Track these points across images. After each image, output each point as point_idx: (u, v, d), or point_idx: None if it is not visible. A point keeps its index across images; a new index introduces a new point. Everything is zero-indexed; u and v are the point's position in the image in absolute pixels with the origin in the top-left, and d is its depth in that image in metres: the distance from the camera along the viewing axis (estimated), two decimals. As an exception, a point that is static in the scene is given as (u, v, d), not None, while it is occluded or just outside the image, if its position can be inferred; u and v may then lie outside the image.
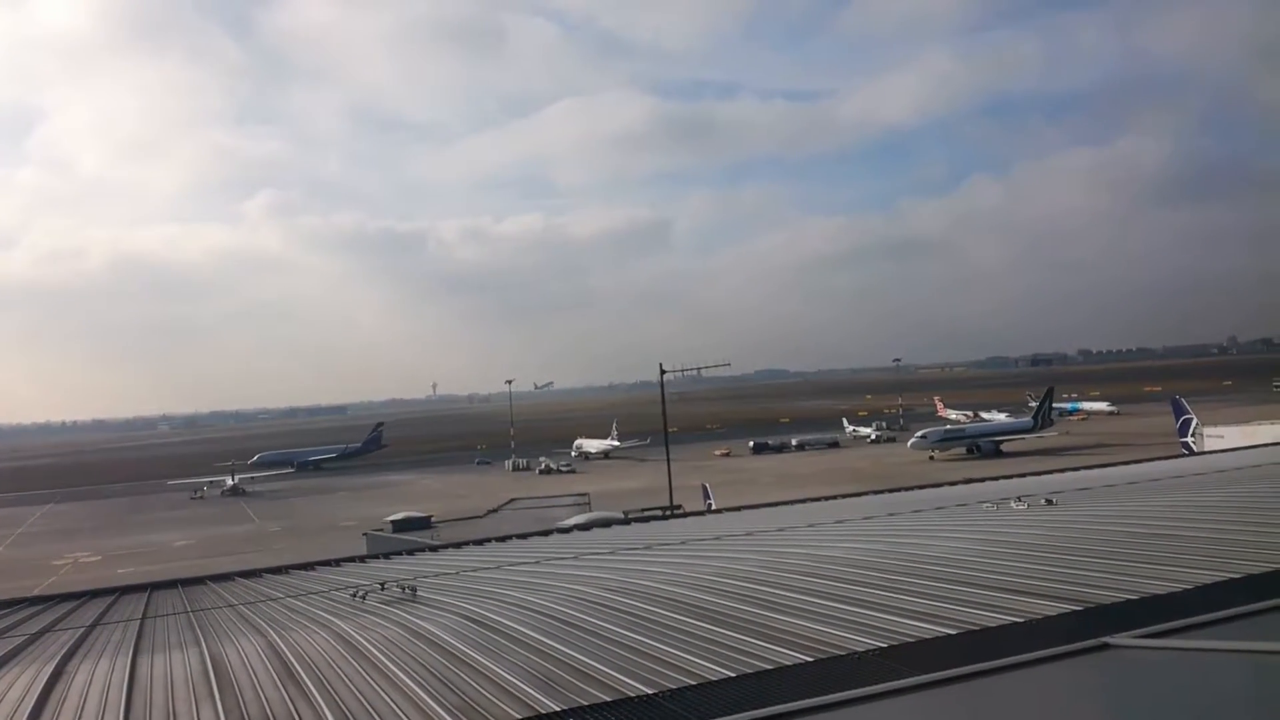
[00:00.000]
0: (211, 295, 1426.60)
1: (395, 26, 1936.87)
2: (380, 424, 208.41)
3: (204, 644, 13.67)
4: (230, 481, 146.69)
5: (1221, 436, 77.11)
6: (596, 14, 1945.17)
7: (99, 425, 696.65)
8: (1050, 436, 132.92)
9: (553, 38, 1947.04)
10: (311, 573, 23.77)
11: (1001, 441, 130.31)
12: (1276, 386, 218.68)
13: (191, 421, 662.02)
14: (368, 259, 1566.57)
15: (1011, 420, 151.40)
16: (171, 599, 20.87)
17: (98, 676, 12.03)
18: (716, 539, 20.41)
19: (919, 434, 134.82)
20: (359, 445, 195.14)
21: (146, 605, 19.99)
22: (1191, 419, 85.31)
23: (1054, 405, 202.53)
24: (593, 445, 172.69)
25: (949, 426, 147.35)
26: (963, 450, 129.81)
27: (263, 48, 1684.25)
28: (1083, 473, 32.10)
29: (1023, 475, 34.24)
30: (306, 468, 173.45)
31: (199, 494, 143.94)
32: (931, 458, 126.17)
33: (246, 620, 16.37)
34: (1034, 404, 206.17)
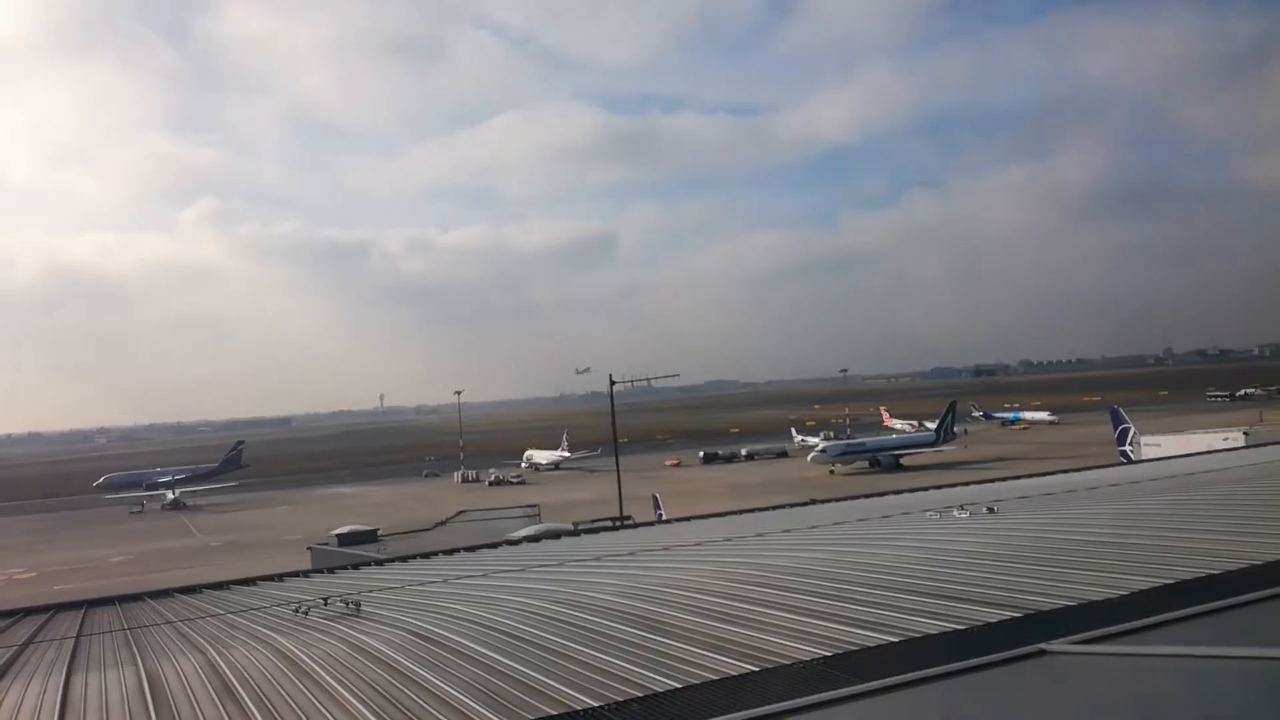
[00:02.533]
0: (150, 305, 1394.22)
1: (334, 37, 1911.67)
2: (240, 442, 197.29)
3: (140, 662, 13.38)
4: (171, 495, 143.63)
5: (1158, 445, 79.26)
6: (539, 29, 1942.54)
7: (34, 438, 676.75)
8: (949, 451, 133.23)
9: (496, 51, 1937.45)
10: (253, 588, 23.37)
11: (902, 455, 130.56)
12: (1210, 396, 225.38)
13: (130, 434, 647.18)
14: (311, 269, 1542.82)
15: (913, 434, 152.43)
16: (108, 616, 20.39)
17: (29, 697, 11.71)
18: (665, 549, 20.44)
19: (819, 448, 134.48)
20: (215, 465, 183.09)
21: (82, 623, 19.51)
22: (1129, 428, 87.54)
23: (994, 415, 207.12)
24: (543, 456, 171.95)
25: (850, 440, 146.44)
26: (864, 464, 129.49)
27: (200, 55, 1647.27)
28: (1023, 481, 32.70)
29: (965, 484, 34.77)
30: (157, 489, 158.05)
31: (139, 508, 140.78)
32: (832, 472, 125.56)
33: (185, 637, 16.05)
34: (976, 414, 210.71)
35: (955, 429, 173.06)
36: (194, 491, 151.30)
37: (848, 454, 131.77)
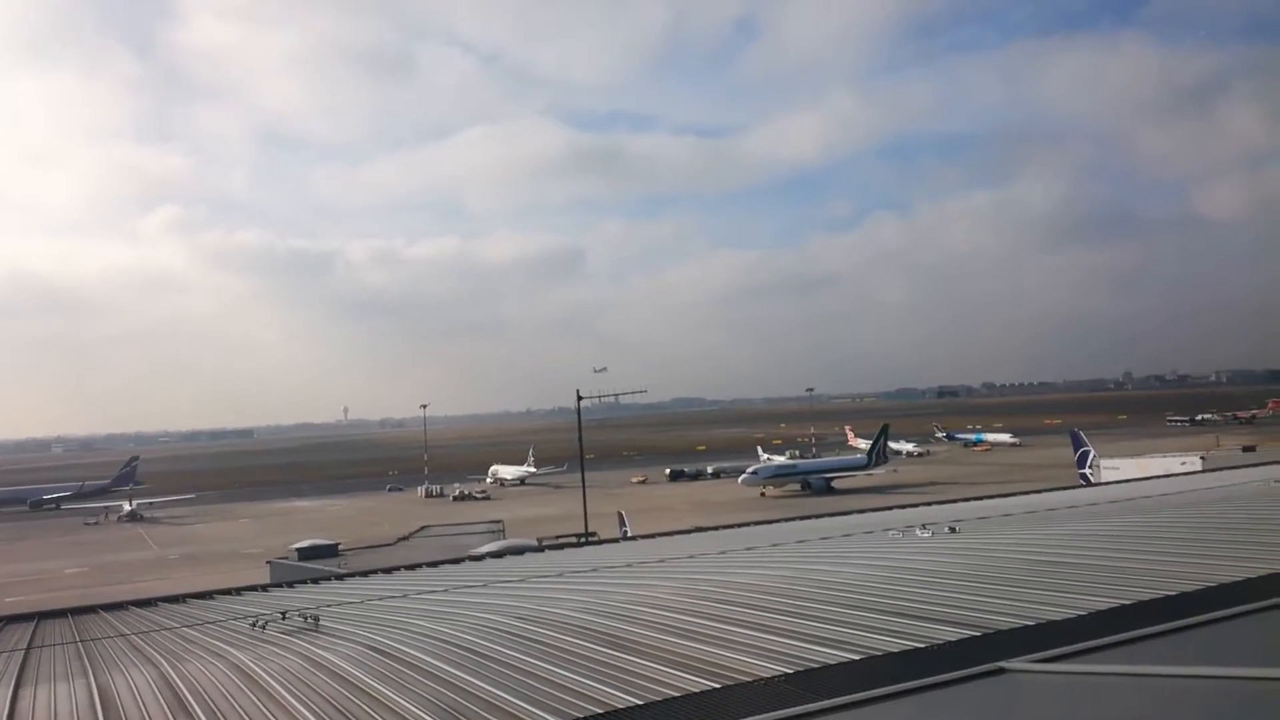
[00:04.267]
0: (111, 313, 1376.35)
1: (302, 49, 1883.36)
2: (135, 457, 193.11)
3: (92, 675, 13.11)
4: (128, 506, 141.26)
5: (1117, 468, 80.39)
6: (508, 46, 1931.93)
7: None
8: (879, 474, 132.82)
9: (464, 66, 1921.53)
10: (210, 601, 22.99)
11: (833, 478, 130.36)
12: (1170, 421, 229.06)
13: (88, 443, 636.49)
14: (275, 279, 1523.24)
15: (845, 458, 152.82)
16: (60, 628, 20.00)
17: None
18: (629, 566, 20.38)
19: (750, 470, 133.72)
20: (106, 481, 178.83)
21: (32, 635, 19.11)
22: (1089, 451, 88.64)
23: (956, 436, 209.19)
24: (508, 472, 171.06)
25: (780, 462, 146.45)
26: (796, 487, 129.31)
27: (164, 64, 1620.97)
28: (985, 502, 33.01)
29: (928, 504, 35.04)
30: (41, 506, 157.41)
31: (95, 519, 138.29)
32: (763, 494, 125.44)
33: (138, 650, 15.76)
34: (940, 435, 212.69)
35: (921, 450, 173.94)
36: (151, 503, 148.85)
37: (779, 476, 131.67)
